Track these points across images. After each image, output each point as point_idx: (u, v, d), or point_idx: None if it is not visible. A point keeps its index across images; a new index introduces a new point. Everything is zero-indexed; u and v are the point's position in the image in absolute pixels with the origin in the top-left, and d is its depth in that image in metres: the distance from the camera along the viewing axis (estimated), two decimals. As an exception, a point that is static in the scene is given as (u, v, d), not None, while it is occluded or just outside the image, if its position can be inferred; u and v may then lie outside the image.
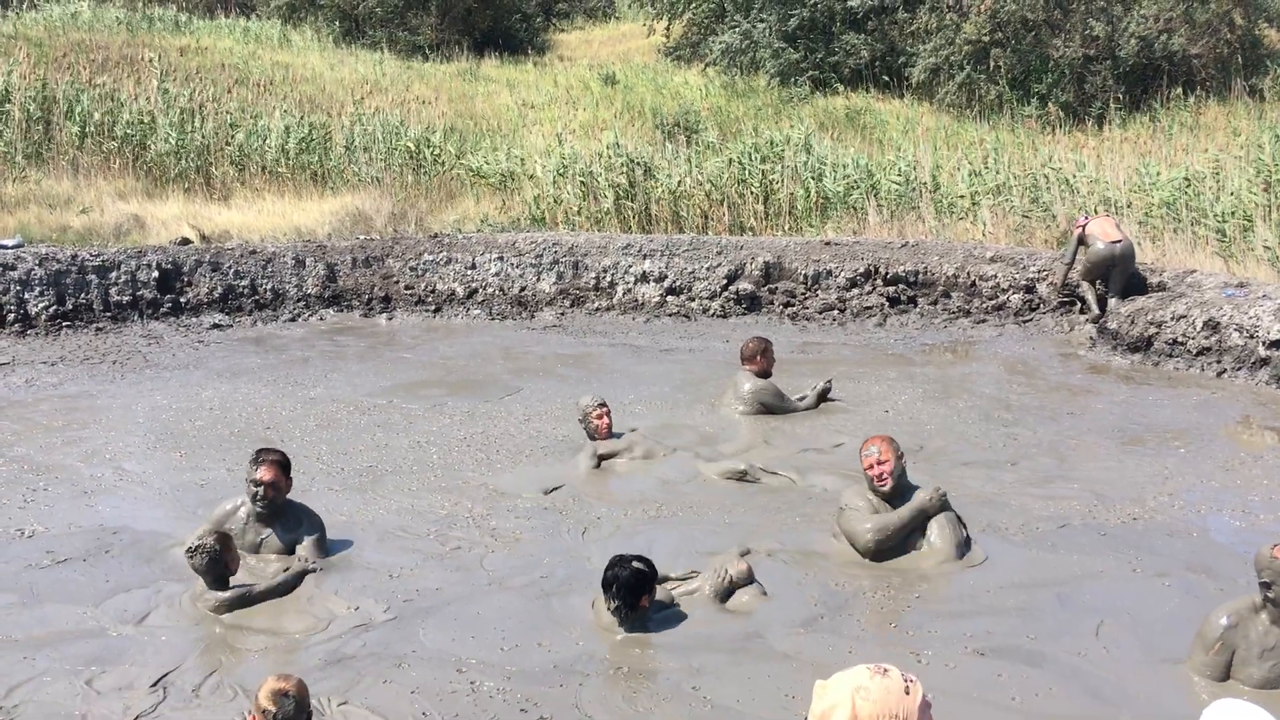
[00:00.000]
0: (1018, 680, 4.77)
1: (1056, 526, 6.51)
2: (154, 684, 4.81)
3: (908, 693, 2.53)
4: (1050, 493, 7.10)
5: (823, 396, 9.30)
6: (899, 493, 6.12)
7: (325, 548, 6.17)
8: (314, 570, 5.91)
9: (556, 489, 7.24)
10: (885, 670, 2.64)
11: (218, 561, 5.49)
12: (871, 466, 6.11)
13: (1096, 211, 12.59)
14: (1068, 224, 14.03)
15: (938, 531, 6.04)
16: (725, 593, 5.55)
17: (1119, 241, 11.90)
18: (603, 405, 7.88)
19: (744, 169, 15.99)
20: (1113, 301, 11.98)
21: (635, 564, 5.19)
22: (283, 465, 6.15)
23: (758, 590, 5.57)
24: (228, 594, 5.53)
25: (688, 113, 20.17)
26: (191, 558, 5.50)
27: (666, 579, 5.65)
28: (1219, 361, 10.48)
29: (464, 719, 4.55)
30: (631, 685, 4.79)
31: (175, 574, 5.94)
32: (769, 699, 4.66)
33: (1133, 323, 11.41)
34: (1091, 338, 11.84)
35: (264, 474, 6.02)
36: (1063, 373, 10.66)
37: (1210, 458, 7.87)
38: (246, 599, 5.57)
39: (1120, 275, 11.96)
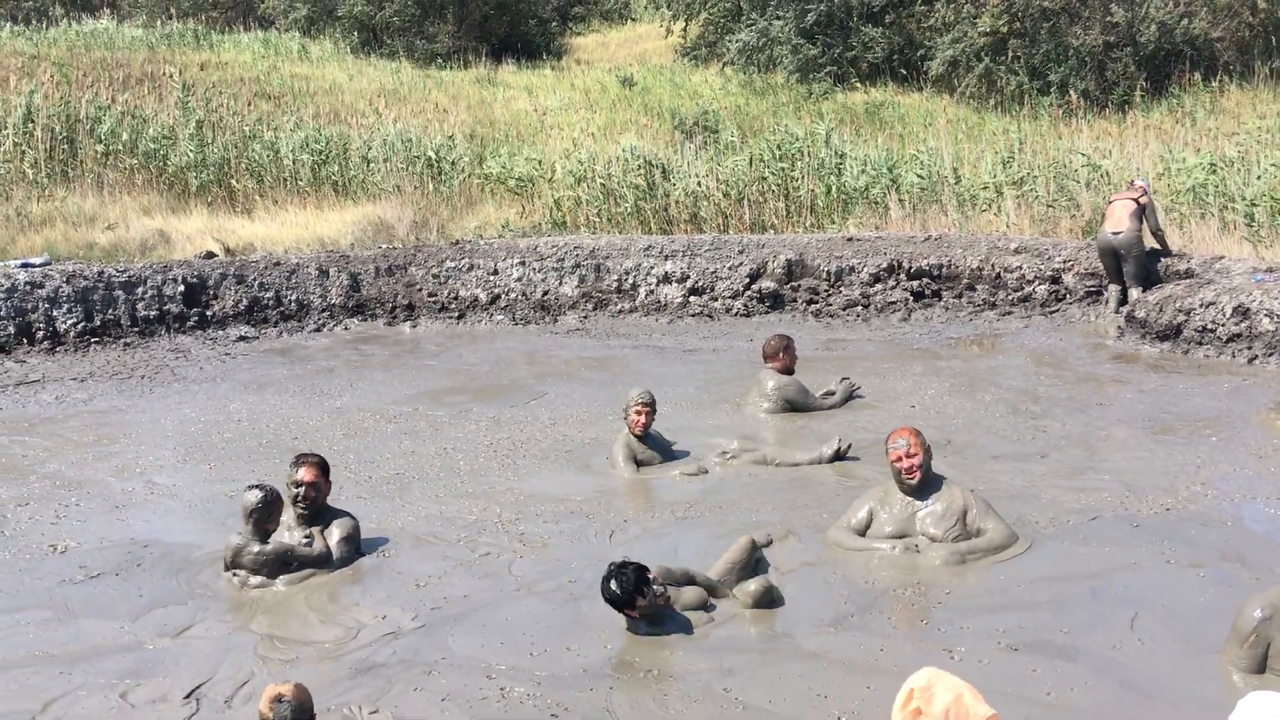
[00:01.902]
0: (1052, 675, 4.72)
1: (1088, 519, 6.44)
2: (187, 696, 4.84)
3: None
4: (1081, 484, 7.04)
5: (849, 396, 9.26)
6: (925, 486, 6.09)
7: (358, 544, 6.30)
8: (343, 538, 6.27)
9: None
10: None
11: (269, 509, 6.00)
12: (900, 459, 6.06)
13: (1131, 183, 12.29)
14: (1092, 213, 13.90)
15: (980, 517, 6.02)
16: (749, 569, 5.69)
17: (1119, 233, 11.75)
18: (645, 403, 7.72)
19: (764, 167, 15.95)
20: (1134, 292, 11.85)
21: (611, 584, 5.14)
22: (322, 467, 6.33)
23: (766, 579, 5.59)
24: (270, 547, 5.97)
25: (706, 112, 20.15)
26: (248, 491, 6.03)
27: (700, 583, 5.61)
28: (1250, 348, 10.35)
29: (495, 725, 4.56)
30: (662, 688, 4.77)
31: (207, 586, 5.99)
32: (800, 699, 4.63)
33: (1161, 310, 11.28)
34: (1120, 327, 11.73)
35: (304, 475, 6.22)
36: (1091, 363, 10.57)
37: (1243, 445, 7.77)
38: (284, 556, 6.00)
39: (1131, 264, 11.82)
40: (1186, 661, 4.81)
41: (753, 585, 5.49)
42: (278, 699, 3.97)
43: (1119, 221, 11.77)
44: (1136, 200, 11.89)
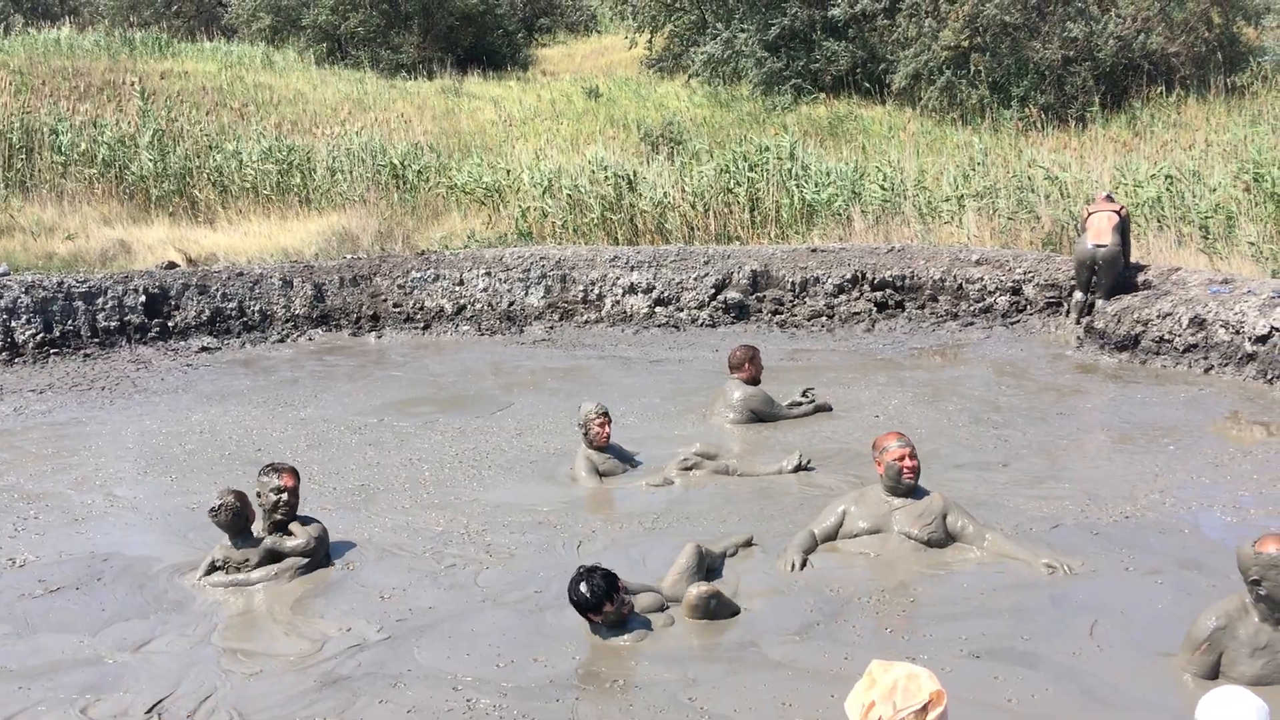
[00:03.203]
0: (1013, 682, 4.78)
1: (1049, 527, 6.52)
2: (149, 710, 4.79)
3: None
4: (1042, 493, 7.12)
5: (816, 410, 9.29)
6: (915, 489, 6.30)
7: (327, 547, 6.38)
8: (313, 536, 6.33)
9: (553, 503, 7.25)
10: None
11: (240, 516, 6.12)
12: (903, 458, 6.26)
13: (1110, 198, 12.43)
14: (1052, 225, 14.07)
15: (961, 517, 6.21)
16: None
17: (1103, 245, 11.87)
18: (605, 414, 7.76)
19: (730, 178, 16.03)
20: (1099, 302, 12.00)
21: (581, 586, 5.18)
22: (296, 474, 6.44)
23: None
24: (260, 545, 6.13)
25: (671, 124, 20.23)
26: (215, 516, 6.11)
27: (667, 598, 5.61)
28: (1206, 358, 10.52)
29: (461, 736, 4.55)
30: (628, 698, 4.78)
31: (168, 599, 5.94)
32: (765, 708, 4.66)
33: (1119, 321, 11.45)
34: (1079, 337, 11.88)
35: (287, 480, 6.34)
36: (1051, 373, 10.70)
37: (1200, 454, 7.90)
38: (275, 554, 6.16)
39: (1105, 276, 11.96)
40: (1146, 667, 4.88)
41: (693, 592, 5.40)
42: None
43: (1102, 234, 11.85)
44: (1117, 213, 12.02)
